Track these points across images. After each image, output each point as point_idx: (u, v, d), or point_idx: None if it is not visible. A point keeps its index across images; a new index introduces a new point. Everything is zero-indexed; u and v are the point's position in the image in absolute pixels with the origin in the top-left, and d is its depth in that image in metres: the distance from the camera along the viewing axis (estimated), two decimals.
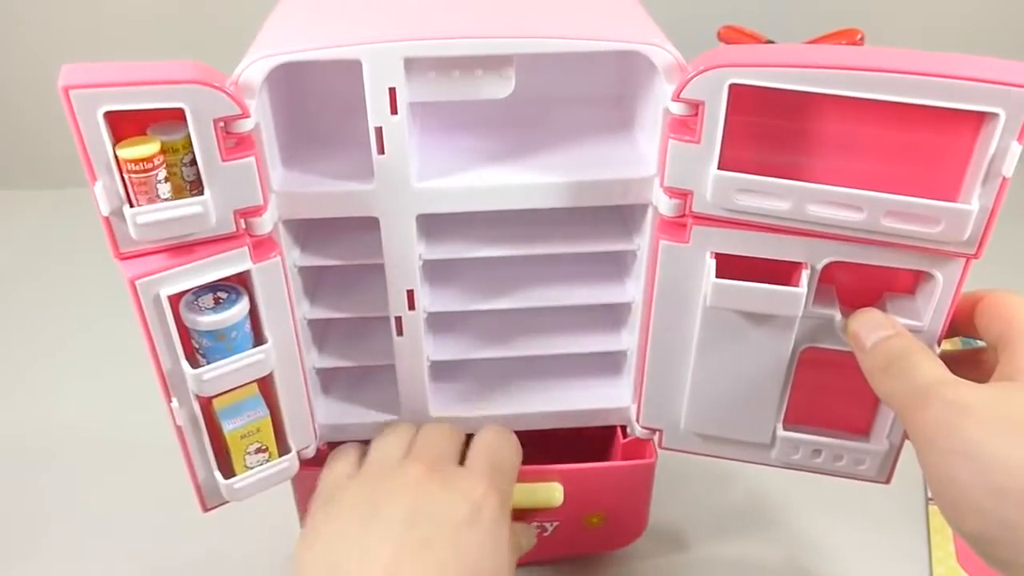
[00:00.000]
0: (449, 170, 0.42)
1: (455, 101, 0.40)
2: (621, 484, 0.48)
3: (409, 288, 0.44)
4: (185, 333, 0.39)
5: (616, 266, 0.49)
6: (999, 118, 0.33)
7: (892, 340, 0.37)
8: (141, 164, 0.35)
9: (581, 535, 0.50)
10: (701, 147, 0.37)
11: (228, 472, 0.43)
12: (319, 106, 0.47)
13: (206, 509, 0.44)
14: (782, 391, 0.43)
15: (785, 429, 0.44)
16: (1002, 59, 0.33)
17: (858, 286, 0.41)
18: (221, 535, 0.55)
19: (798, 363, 0.43)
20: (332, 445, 0.50)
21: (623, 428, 0.50)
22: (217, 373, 0.39)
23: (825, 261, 0.39)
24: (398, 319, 0.45)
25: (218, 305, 0.39)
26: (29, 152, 0.82)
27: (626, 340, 0.49)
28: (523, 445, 0.49)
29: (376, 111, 0.38)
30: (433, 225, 0.46)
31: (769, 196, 0.37)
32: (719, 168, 0.37)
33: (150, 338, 0.38)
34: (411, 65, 0.38)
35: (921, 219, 0.36)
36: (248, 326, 0.40)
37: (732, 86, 0.35)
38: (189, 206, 0.36)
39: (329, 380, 0.50)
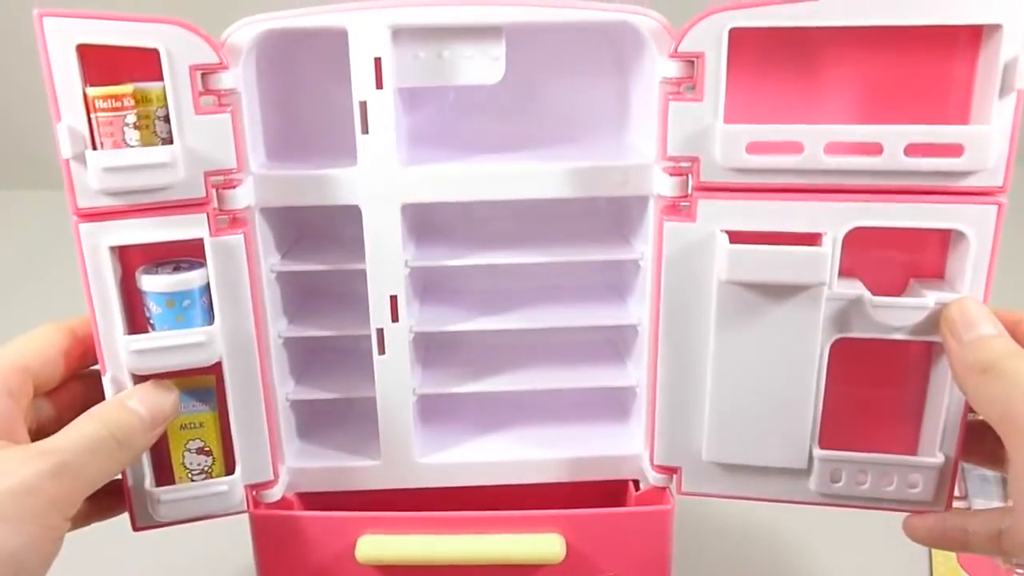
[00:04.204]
0: (437, 157, 0.40)
1: (448, 89, 0.39)
2: (635, 536, 0.41)
3: (392, 294, 0.40)
4: (138, 302, 0.36)
5: (618, 289, 0.46)
6: (1001, 29, 0.31)
7: (995, 340, 0.33)
8: (110, 101, 0.33)
9: None
10: (704, 104, 0.35)
11: (165, 475, 0.38)
12: (312, 112, 0.46)
13: (136, 528, 0.38)
14: (815, 396, 0.37)
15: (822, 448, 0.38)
16: None
17: (884, 274, 0.38)
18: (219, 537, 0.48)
19: (829, 375, 0.37)
20: (302, 496, 0.44)
21: (636, 483, 0.44)
22: (149, 345, 0.35)
23: (846, 228, 0.35)
24: (380, 333, 0.40)
25: (175, 273, 0.36)
26: (29, 152, 0.82)
27: (633, 374, 0.44)
28: (519, 506, 0.42)
29: (361, 84, 0.37)
30: (422, 233, 0.43)
31: (781, 149, 0.35)
32: (725, 123, 0.35)
33: (89, 296, 0.35)
34: (398, 39, 0.37)
35: (943, 150, 0.33)
36: (205, 302, 0.36)
37: (732, 31, 0.34)
38: (155, 154, 0.34)
39: (306, 420, 0.45)
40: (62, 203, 0.34)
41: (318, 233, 0.44)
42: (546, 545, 0.40)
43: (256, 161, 0.38)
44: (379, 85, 0.37)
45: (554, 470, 0.43)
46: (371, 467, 0.43)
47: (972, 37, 0.34)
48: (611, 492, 0.44)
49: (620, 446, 0.44)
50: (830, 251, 0.35)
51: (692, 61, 0.35)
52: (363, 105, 0.37)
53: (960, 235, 0.35)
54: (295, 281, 0.43)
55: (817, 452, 0.38)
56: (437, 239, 0.43)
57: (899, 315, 0.36)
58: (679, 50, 0.35)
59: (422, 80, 0.39)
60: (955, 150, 0.33)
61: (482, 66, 0.39)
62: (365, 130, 0.38)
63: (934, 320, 0.36)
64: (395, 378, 0.41)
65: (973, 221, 0.35)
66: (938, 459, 0.37)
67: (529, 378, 0.44)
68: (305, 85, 0.44)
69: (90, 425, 0.33)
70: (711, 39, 0.34)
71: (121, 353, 0.35)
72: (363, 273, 0.40)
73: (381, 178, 0.38)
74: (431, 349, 0.45)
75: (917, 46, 0.34)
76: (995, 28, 0.32)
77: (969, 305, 0.35)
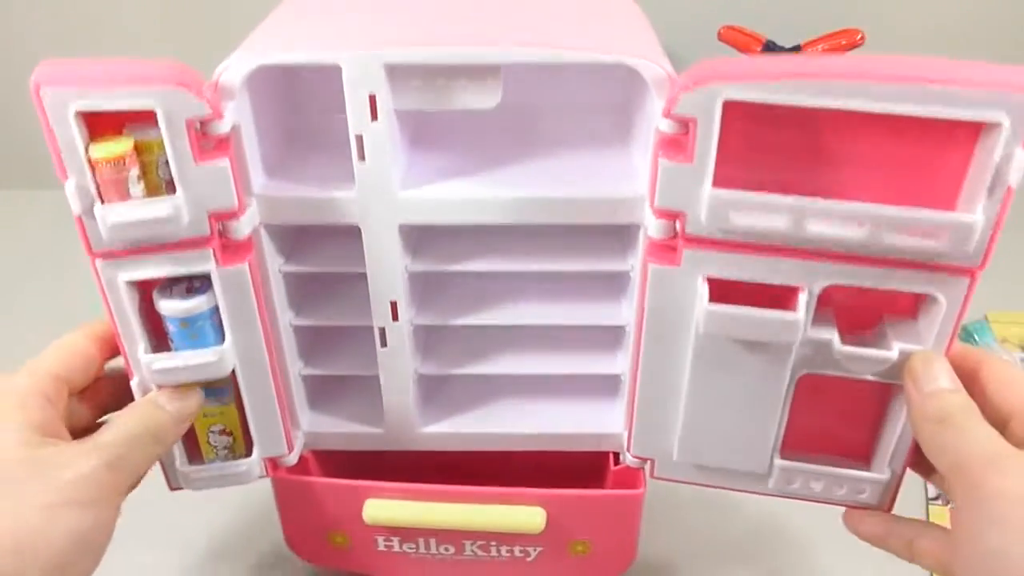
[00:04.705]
0: (435, 180, 0.41)
1: (448, 109, 0.39)
2: (607, 514, 0.46)
3: (392, 300, 0.43)
4: (157, 318, 0.39)
5: (613, 286, 0.47)
6: (1002, 126, 0.31)
7: (953, 395, 0.36)
8: (112, 164, 0.34)
9: (566, 563, 0.48)
10: (694, 167, 0.35)
11: (194, 451, 0.43)
12: (314, 111, 0.46)
13: (172, 488, 0.44)
14: (779, 420, 0.41)
15: (782, 458, 0.42)
16: (1002, 64, 0.31)
17: (857, 309, 0.39)
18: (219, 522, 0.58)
19: (795, 389, 0.40)
20: (316, 453, 0.49)
21: (616, 455, 0.48)
22: (166, 365, 0.39)
23: (823, 284, 0.37)
24: (382, 330, 0.44)
25: (188, 294, 0.39)
26: (29, 152, 0.82)
27: (621, 363, 0.47)
28: (510, 474, 0.47)
29: (356, 118, 0.37)
30: (422, 236, 0.45)
31: (767, 214, 0.35)
32: (713, 187, 0.35)
33: (113, 320, 0.38)
34: (394, 72, 0.37)
35: (924, 233, 0.34)
36: (216, 320, 0.40)
37: (726, 103, 0.33)
38: (158, 208, 0.36)
39: (318, 387, 0.49)
40: (62, 203, 0.35)
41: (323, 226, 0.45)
42: (528, 516, 0.45)
43: (257, 181, 0.40)
44: (374, 118, 0.37)
45: (542, 442, 0.48)
46: (376, 433, 0.48)
47: (973, 124, 0.33)
48: (593, 462, 0.49)
49: (603, 424, 0.48)
50: (803, 317, 0.37)
51: (686, 121, 0.35)
52: (359, 138, 0.38)
53: (933, 298, 0.36)
54: (302, 273, 0.45)
55: (777, 462, 0.42)
56: (440, 239, 0.45)
57: (865, 363, 0.38)
58: (672, 113, 0.35)
59: (418, 104, 0.39)
60: (937, 235, 0.33)
61: (479, 92, 0.38)
62: (362, 158, 0.38)
63: (897, 367, 0.38)
64: (397, 364, 0.45)
65: (946, 290, 0.36)
66: (886, 475, 0.41)
67: (525, 362, 0.47)
68: (307, 91, 0.44)
69: (130, 423, 0.38)
70: (704, 107, 0.34)
71: (144, 370, 0.39)
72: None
73: (378, 202, 0.39)
74: (432, 334, 0.48)
75: (918, 126, 0.33)
76: (996, 125, 0.31)
77: (931, 359, 0.37)
